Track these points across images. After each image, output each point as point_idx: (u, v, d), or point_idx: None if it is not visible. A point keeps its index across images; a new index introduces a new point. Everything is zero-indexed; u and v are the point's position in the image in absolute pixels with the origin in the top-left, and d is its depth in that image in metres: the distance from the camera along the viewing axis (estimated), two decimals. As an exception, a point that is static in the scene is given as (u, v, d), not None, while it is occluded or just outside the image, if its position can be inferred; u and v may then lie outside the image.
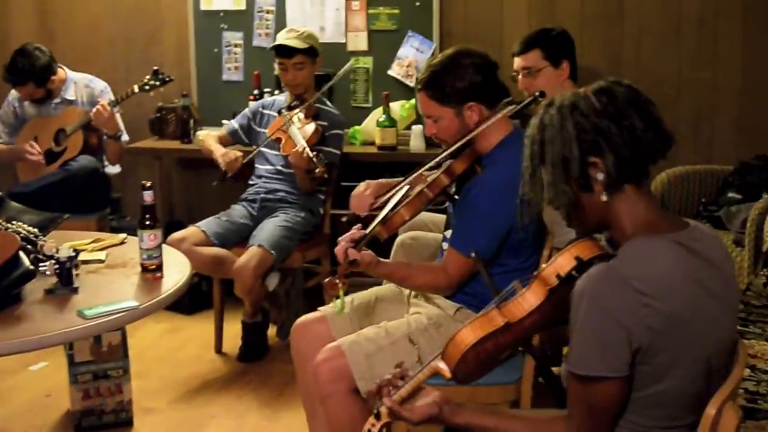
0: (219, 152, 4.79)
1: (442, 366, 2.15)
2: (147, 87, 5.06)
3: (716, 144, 5.22)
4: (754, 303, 3.74)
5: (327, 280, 2.90)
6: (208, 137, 5.01)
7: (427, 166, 3.19)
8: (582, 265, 2.00)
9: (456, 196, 3.17)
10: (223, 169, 4.71)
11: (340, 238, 2.97)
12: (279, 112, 4.80)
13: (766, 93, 5.11)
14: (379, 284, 3.50)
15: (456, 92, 3.03)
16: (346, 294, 3.04)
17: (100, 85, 5.35)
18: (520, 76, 4.13)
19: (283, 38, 4.75)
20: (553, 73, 4.09)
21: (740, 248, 4.11)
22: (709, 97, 5.21)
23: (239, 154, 4.73)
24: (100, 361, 3.91)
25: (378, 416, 2.20)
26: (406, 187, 3.11)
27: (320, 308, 3.31)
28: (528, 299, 2.06)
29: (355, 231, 2.99)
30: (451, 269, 3.09)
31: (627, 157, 1.98)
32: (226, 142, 5.01)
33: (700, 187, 4.82)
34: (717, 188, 4.81)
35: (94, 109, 5.00)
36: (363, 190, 3.44)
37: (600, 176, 2.00)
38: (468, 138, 3.04)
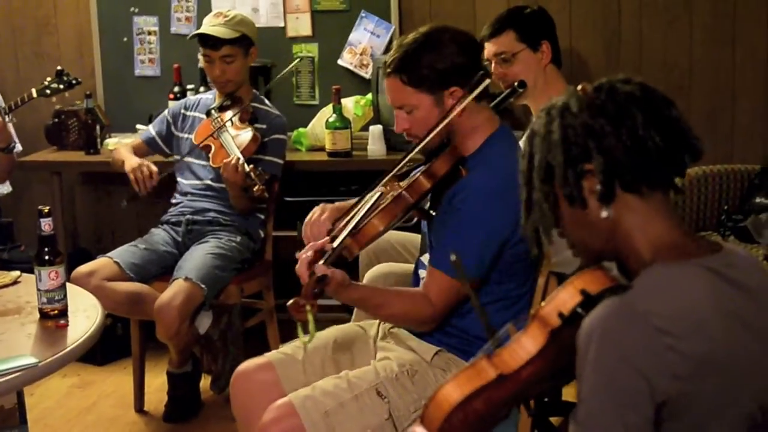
0: (130, 164, 4.71)
1: None
2: (48, 91, 5.00)
3: (738, 138, 5.23)
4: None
5: (291, 301, 2.86)
6: (120, 147, 4.96)
7: (396, 169, 3.17)
8: (589, 300, 1.96)
9: (432, 212, 3.15)
10: (135, 187, 4.66)
11: (299, 253, 2.94)
12: (207, 114, 4.77)
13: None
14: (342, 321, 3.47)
15: (436, 74, 3.02)
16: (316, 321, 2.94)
17: (-14, 88, 5.28)
18: (493, 64, 4.13)
19: (207, 25, 4.71)
20: (531, 57, 4.12)
21: (774, 265, 4.12)
22: (729, 80, 5.22)
23: (155, 169, 4.67)
24: (-9, 430, 3.85)
25: None
26: (378, 194, 3.07)
27: (266, 354, 3.28)
28: (525, 345, 2.02)
29: (317, 243, 2.97)
30: (435, 295, 3.05)
31: (620, 159, 1.96)
32: (142, 152, 4.96)
33: (720, 192, 4.82)
34: (741, 192, 4.81)
35: None
36: (318, 215, 3.37)
37: (597, 187, 1.99)
38: (446, 122, 3.04)
